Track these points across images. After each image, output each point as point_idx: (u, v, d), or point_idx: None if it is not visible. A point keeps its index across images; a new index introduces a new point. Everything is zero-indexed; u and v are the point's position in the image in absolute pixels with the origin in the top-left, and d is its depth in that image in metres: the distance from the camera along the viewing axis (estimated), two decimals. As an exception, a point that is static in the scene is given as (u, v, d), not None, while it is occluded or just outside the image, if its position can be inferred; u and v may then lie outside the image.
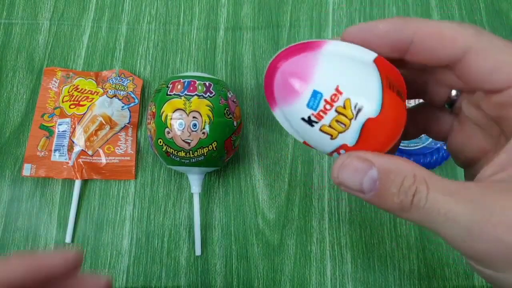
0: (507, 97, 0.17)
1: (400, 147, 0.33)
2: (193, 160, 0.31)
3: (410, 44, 0.18)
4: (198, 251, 0.33)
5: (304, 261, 0.33)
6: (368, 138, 0.19)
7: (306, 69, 0.19)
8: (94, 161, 0.35)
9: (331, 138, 0.19)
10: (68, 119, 0.35)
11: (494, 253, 0.16)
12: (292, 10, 0.40)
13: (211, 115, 0.30)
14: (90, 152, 0.35)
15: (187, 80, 0.31)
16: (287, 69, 0.20)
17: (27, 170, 0.34)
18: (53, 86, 0.37)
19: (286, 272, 0.33)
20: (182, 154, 0.30)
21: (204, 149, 0.30)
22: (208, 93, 0.31)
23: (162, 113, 0.30)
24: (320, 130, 0.19)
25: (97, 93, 0.36)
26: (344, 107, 0.18)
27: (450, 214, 0.16)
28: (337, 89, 0.18)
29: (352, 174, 0.18)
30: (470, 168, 0.21)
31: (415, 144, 0.33)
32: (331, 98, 0.18)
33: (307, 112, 0.19)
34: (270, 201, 0.35)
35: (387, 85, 0.19)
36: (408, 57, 0.19)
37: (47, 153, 0.35)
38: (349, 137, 0.19)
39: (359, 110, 0.18)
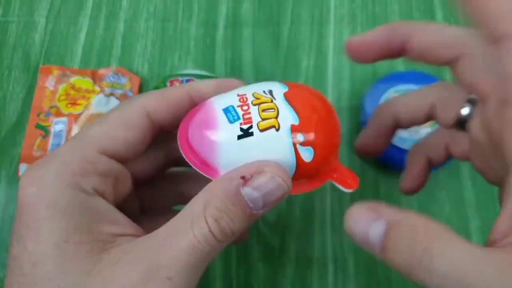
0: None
1: (403, 147, 0.32)
2: None
3: (405, 45, 0.19)
4: None
5: (305, 264, 0.33)
6: (302, 106, 0.18)
7: (207, 111, 0.19)
8: (90, 161, 0.34)
9: (276, 130, 0.18)
10: (64, 118, 0.35)
11: None
12: (293, 7, 0.39)
13: None
14: (86, 152, 0.34)
15: (185, 78, 0.30)
16: (191, 129, 0.19)
17: (23, 170, 0.34)
18: (49, 85, 0.36)
19: (286, 275, 0.32)
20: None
21: None
22: None
23: None
24: (261, 130, 0.18)
25: (94, 91, 0.35)
26: (257, 98, 0.18)
27: (474, 283, 0.14)
28: (238, 95, 0.19)
29: (359, 224, 0.17)
30: (502, 187, 0.19)
31: (419, 144, 0.32)
32: (240, 101, 0.18)
33: (236, 127, 0.18)
34: (270, 202, 0.34)
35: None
36: (407, 56, 0.20)
37: (43, 153, 0.34)
38: (287, 115, 0.18)
39: (270, 91, 0.18)
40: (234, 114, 0.18)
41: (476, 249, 0.15)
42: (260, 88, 0.19)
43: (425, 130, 0.33)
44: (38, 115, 0.35)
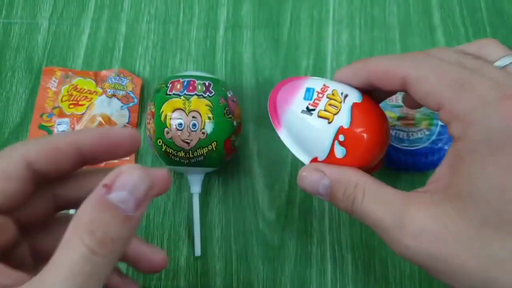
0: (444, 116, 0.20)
1: (400, 147, 0.33)
2: (193, 160, 0.30)
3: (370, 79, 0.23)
4: (197, 252, 0.32)
5: (304, 262, 0.33)
6: (359, 119, 0.23)
7: (299, 83, 0.25)
8: (93, 161, 0.35)
9: (329, 122, 0.23)
10: (67, 119, 0.35)
11: (406, 256, 0.20)
12: (292, 8, 0.40)
13: (210, 114, 0.30)
14: (89, 152, 0.35)
15: (186, 79, 0.31)
16: (285, 87, 0.25)
17: (26, 170, 0.34)
18: (52, 86, 0.36)
19: (286, 273, 0.33)
20: (182, 154, 0.30)
21: (204, 149, 0.30)
22: (207, 93, 0.30)
23: (162, 113, 0.30)
24: (318, 116, 0.23)
25: (96, 92, 0.36)
26: (333, 94, 0.23)
27: (376, 221, 0.21)
28: (324, 85, 0.24)
29: (310, 183, 0.23)
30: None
31: (416, 144, 0.33)
32: (321, 90, 0.24)
33: (305, 104, 0.24)
34: (270, 201, 0.34)
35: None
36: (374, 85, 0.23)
37: (46, 153, 0.35)
38: (343, 118, 0.23)
39: (346, 96, 0.23)
40: (310, 95, 0.24)
41: (390, 193, 0.21)
42: (341, 88, 0.24)
43: (424, 131, 0.33)
44: (41, 115, 0.36)
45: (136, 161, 0.35)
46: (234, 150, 0.32)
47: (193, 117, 0.30)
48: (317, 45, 0.39)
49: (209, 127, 0.30)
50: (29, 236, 0.20)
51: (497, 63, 0.21)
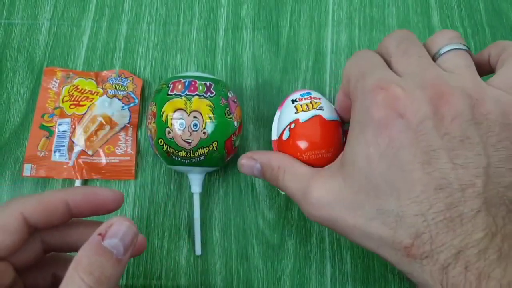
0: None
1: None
2: (194, 160, 0.31)
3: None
4: (198, 251, 0.33)
5: (304, 261, 0.33)
6: (312, 123, 0.29)
7: (308, 91, 0.32)
8: (94, 161, 0.35)
9: (295, 112, 0.30)
10: (68, 119, 0.35)
11: (312, 219, 0.26)
12: (292, 10, 0.40)
13: (211, 115, 0.30)
14: (90, 152, 0.35)
15: (187, 80, 0.31)
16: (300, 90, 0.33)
17: (27, 170, 0.34)
18: (53, 86, 0.37)
19: (286, 272, 0.33)
20: (183, 154, 0.30)
21: (205, 149, 0.30)
22: (208, 93, 0.31)
23: (163, 113, 0.30)
24: (295, 106, 0.30)
25: (97, 93, 0.36)
26: (316, 103, 0.30)
27: (291, 194, 0.27)
28: (319, 98, 0.31)
29: (246, 168, 0.30)
30: None
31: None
32: (311, 97, 0.31)
33: (296, 97, 0.31)
34: (270, 201, 0.35)
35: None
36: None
37: (47, 153, 0.35)
38: (304, 116, 0.30)
39: (321, 109, 0.30)
40: (304, 95, 0.31)
41: (302, 171, 0.27)
42: (327, 106, 0.31)
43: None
44: (42, 116, 0.36)
45: (137, 161, 0.35)
46: (235, 150, 0.32)
47: (194, 117, 0.30)
48: (316, 46, 0.39)
49: (210, 127, 0.30)
50: (23, 275, 0.23)
51: (438, 51, 0.25)
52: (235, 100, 0.33)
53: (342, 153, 0.26)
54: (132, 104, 0.36)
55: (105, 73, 0.37)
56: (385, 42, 0.27)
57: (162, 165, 0.35)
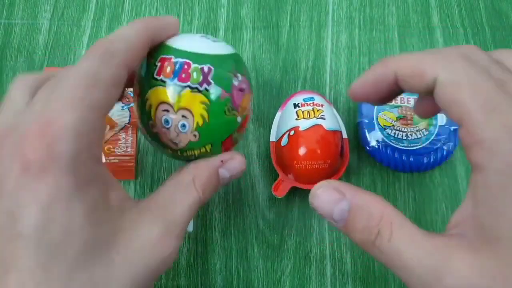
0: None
1: (400, 147, 0.33)
2: (183, 158, 0.26)
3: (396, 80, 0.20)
4: (190, 227, 0.28)
5: (304, 261, 0.33)
6: (311, 133, 0.30)
7: (312, 95, 0.34)
8: (94, 161, 0.35)
9: (296, 119, 0.31)
10: (68, 119, 0.35)
11: None
12: (292, 10, 0.40)
13: (206, 115, 0.23)
14: (90, 152, 0.35)
15: (180, 60, 0.23)
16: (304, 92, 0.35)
17: (27, 170, 0.34)
18: (53, 86, 0.37)
19: (286, 272, 0.33)
20: (169, 152, 0.25)
21: (195, 150, 0.24)
22: (204, 84, 0.23)
23: (146, 100, 0.23)
24: (297, 112, 0.31)
25: (97, 93, 0.36)
26: (315, 111, 0.31)
27: (405, 264, 0.18)
28: (322, 104, 0.32)
29: (323, 203, 0.20)
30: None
31: (415, 145, 0.33)
32: (314, 104, 0.32)
33: (299, 102, 0.32)
34: (270, 201, 0.35)
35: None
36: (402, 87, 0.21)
37: (47, 153, 0.35)
38: (304, 124, 0.30)
39: (321, 117, 0.31)
40: (307, 100, 0.33)
41: (418, 235, 0.18)
42: (329, 115, 0.32)
43: (422, 131, 0.34)
44: (42, 116, 0.36)
45: (137, 161, 0.36)
46: (234, 144, 0.27)
47: (182, 116, 0.23)
48: (316, 46, 0.39)
49: (202, 130, 0.23)
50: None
51: None
52: (243, 87, 0.25)
53: (471, 215, 0.18)
54: (132, 104, 0.36)
55: (105, 73, 0.37)
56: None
57: (162, 165, 0.36)
